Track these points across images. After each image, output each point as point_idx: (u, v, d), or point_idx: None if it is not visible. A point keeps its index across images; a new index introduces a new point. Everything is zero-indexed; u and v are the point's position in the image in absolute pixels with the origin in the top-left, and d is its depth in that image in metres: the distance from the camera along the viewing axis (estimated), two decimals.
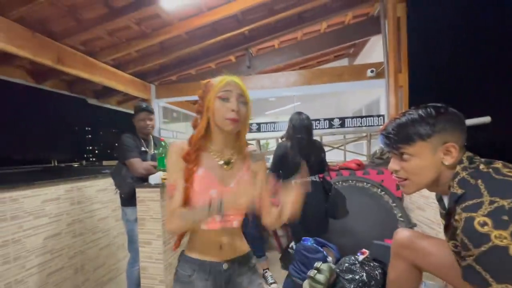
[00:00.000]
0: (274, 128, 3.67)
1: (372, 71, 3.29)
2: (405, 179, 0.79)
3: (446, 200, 0.81)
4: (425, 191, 2.21)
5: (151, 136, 1.94)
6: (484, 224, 0.56)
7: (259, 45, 3.73)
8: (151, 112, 1.89)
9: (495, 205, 0.57)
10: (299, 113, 2.06)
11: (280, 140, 2.25)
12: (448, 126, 0.71)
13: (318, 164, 2.05)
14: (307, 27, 3.53)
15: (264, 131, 3.66)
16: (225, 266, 0.82)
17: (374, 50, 4.37)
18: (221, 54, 3.62)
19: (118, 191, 1.87)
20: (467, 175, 0.68)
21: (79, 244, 2.10)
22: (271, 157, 4.09)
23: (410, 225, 2.28)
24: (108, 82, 3.21)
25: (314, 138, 2.13)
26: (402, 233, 1.05)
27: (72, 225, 2.04)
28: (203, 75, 4.25)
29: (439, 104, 0.73)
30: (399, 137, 0.75)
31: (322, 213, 1.98)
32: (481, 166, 0.68)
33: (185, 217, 0.75)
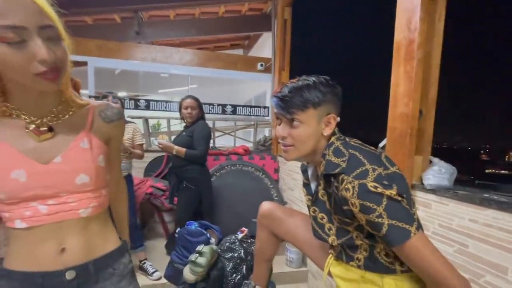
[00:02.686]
0: (166, 107, 3.35)
1: (261, 65, 3.55)
2: (291, 145, 0.78)
3: (310, 171, 0.91)
4: (296, 175, 2.60)
5: None
6: (376, 187, 0.65)
7: (152, 10, 3.29)
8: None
9: (376, 172, 0.67)
10: None
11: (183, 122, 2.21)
12: (334, 98, 0.75)
13: None
14: (204, 6, 3.39)
15: (155, 110, 3.30)
16: (69, 275, 0.56)
17: (265, 45, 4.73)
18: (101, 8, 2.97)
19: None
20: (340, 145, 0.75)
21: None
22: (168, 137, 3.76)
23: (283, 203, 2.68)
24: None
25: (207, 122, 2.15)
26: (264, 206, 1.16)
27: None
28: (74, 29, 3.33)
29: (327, 77, 0.78)
30: (294, 101, 0.74)
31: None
32: (347, 139, 0.79)
33: None
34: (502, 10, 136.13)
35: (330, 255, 0.91)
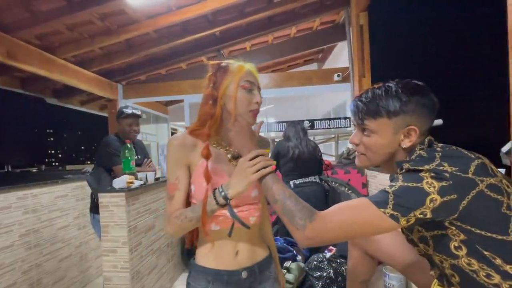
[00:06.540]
0: None
1: (338, 76, 3.44)
2: (362, 154, 0.76)
3: None
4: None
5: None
6: (426, 171, 0.60)
7: (231, 46, 3.73)
8: (138, 117, 1.88)
9: (441, 167, 0.60)
10: (293, 122, 2.27)
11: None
12: (418, 109, 0.67)
13: (316, 164, 2.15)
14: (277, 31, 3.60)
15: None
16: (244, 274, 0.73)
17: (341, 55, 4.57)
18: (192, 54, 3.56)
19: (92, 197, 1.81)
20: (423, 152, 0.68)
21: (35, 257, 1.92)
22: None
23: None
24: (68, 80, 3.00)
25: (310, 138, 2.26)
26: None
27: (25, 236, 1.87)
28: (173, 75, 4.14)
29: (421, 83, 0.70)
30: (367, 107, 0.70)
31: None
32: (438, 148, 0.69)
33: (187, 215, 0.68)
34: None
35: (435, 280, 0.78)
